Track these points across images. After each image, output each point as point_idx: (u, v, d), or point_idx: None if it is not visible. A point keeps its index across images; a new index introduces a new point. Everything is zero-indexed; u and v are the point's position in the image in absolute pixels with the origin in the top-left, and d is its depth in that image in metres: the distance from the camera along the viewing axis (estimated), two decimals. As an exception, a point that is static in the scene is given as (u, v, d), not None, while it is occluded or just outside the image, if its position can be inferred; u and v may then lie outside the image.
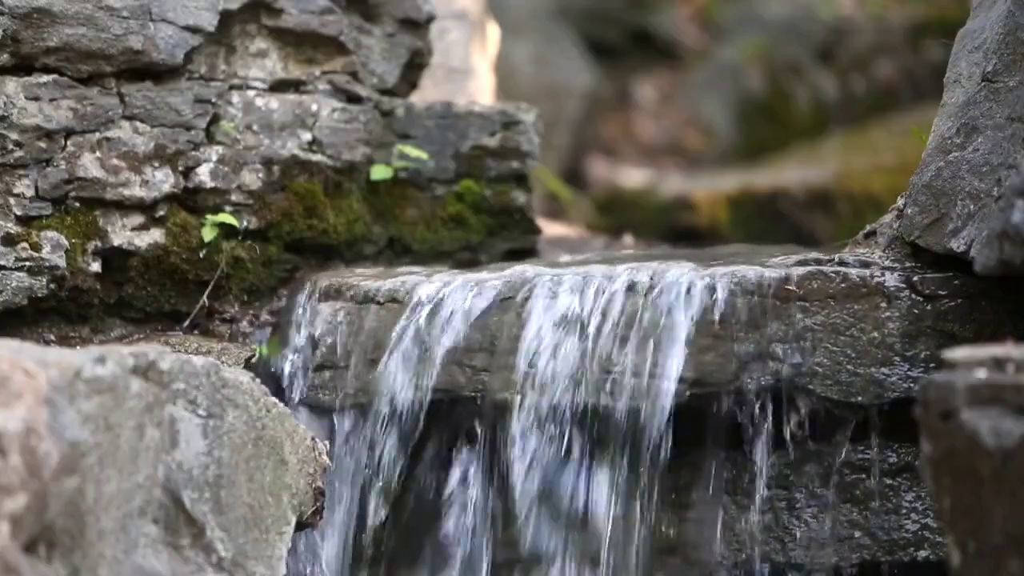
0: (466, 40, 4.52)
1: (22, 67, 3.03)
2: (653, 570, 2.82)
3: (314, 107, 3.29)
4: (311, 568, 2.90)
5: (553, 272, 2.91)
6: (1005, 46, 2.85)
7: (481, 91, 4.51)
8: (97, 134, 3.07)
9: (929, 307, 2.82)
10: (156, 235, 3.14)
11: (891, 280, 2.83)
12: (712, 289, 2.82)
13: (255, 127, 3.23)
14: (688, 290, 2.82)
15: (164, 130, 3.13)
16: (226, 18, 3.19)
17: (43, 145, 3.02)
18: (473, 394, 2.86)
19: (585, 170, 7.10)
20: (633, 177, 6.98)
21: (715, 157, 7.32)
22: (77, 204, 3.06)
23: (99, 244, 3.08)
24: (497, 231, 3.44)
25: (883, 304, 2.81)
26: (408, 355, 2.88)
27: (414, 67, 3.48)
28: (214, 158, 3.18)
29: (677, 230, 5.80)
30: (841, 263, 2.87)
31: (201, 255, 3.16)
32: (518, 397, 2.82)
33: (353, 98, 3.34)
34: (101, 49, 3.06)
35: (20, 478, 2.04)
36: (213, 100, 3.18)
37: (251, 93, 3.25)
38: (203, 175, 3.17)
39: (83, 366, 2.20)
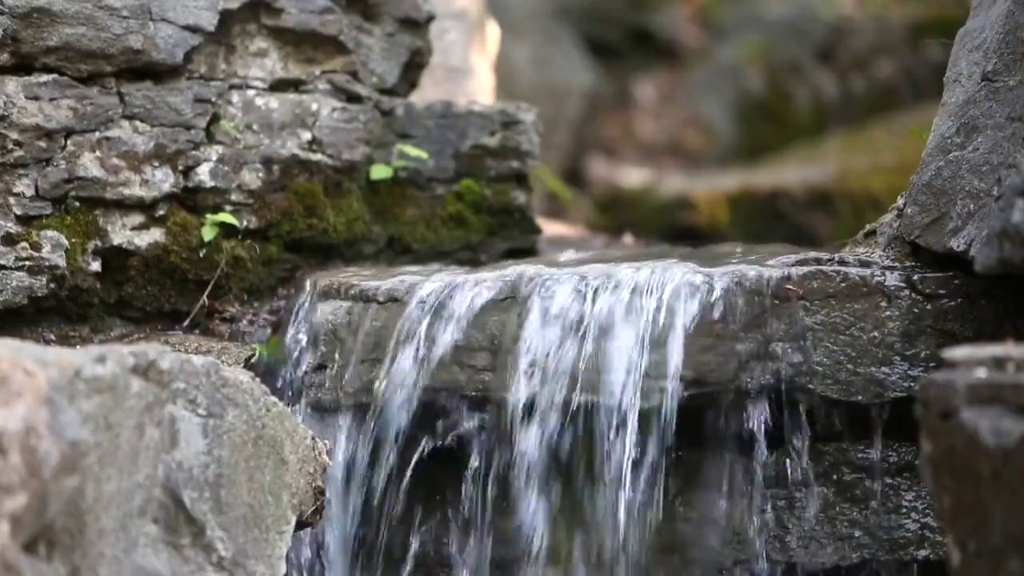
0: (466, 40, 4.53)
1: (22, 67, 3.03)
2: (653, 569, 2.82)
3: (314, 107, 3.29)
4: (314, 565, 2.90)
5: (553, 272, 2.91)
6: (1005, 45, 2.85)
7: (481, 91, 4.52)
8: (97, 133, 3.07)
9: (929, 306, 2.82)
10: (156, 234, 3.14)
11: (891, 279, 2.83)
12: (712, 288, 2.82)
13: (255, 126, 3.23)
14: (688, 289, 2.82)
15: (164, 129, 3.13)
16: (226, 17, 3.19)
17: (43, 145, 3.02)
18: (474, 393, 2.86)
19: (585, 170, 7.10)
20: (633, 177, 6.98)
21: (715, 157, 7.33)
22: (77, 204, 3.06)
23: (99, 243, 3.08)
24: (497, 230, 3.44)
25: (883, 303, 2.81)
26: (408, 354, 2.88)
27: (414, 67, 3.48)
28: (214, 157, 3.18)
29: (677, 229, 5.80)
30: (841, 262, 2.87)
31: (201, 254, 3.16)
32: (518, 396, 2.82)
33: (353, 98, 3.34)
34: (101, 49, 3.06)
35: (20, 477, 2.04)
36: (213, 99, 3.18)
37: (251, 92, 3.25)
38: (203, 174, 3.17)
39: (83, 365, 2.20)
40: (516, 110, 3.46)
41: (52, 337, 3.08)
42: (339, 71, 3.33)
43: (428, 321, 2.89)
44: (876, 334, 2.80)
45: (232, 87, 3.23)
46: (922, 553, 2.80)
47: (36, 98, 3.02)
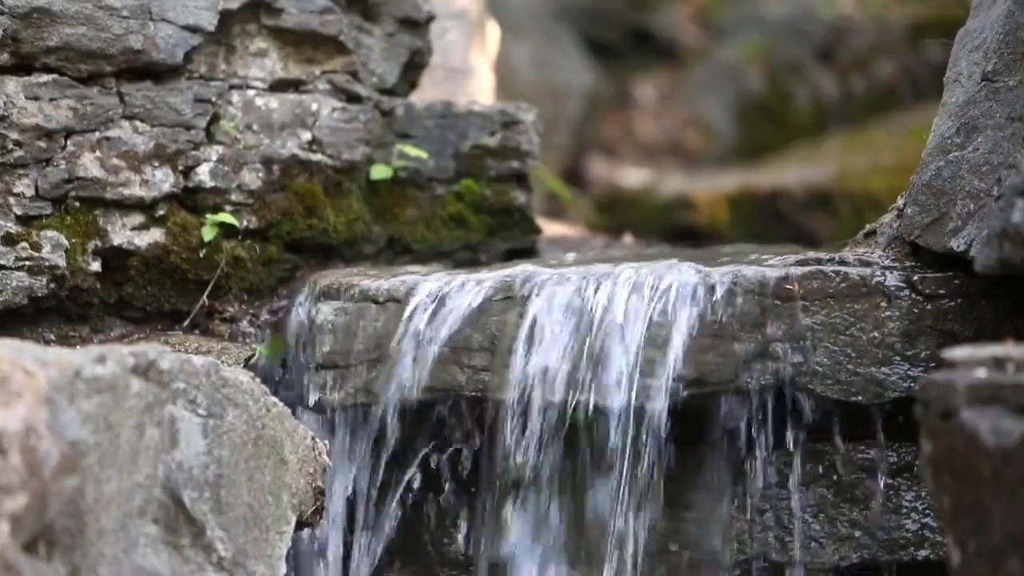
0: (466, 40, 4.53)
1: (22, 67, 3.03)
2: (653, 569, 2.82)
3: (314, 107, 3.29)
4: (314, 565, 2.90)
5: (553, 272, 2.91)
6: (1005, 46, 2.85)
7: (481, 91, 4.52)
8: (97, 134, 3.07)
9: (929, 306, 2.82)
10: (156, 235, 3.14)
11: (891, 280, 2.83)
12: (712, 288, 2.82)
13: (255, 127, 3.23)
14: (688, 289, 2.82)
15: (164, 130, 3.13)
16: (226, 18, 3.19)
17: (43, 145, 3.02)
18: (474, 393, 2.86)
19: (585, 170, 7.10)
20: (633, 177, 6.98)
21: (715, 157, 7.33)
22: (77, 204, 3.06)
23: (99, 244, 3.08)
24: (497, 231, 3.44)
25: (883, 303, 2.81)
26: (408, 355, 2.88)
27: (414, 67, 3.48)
28: (214, 158, 3.18)
29: (677, 230, 5.80)
30: (841, 263, 2.87)
31: (201, 255, 3.16)
32: (518, 396, 2.82)
33: (353, 98, 3.34)
34: (101, 49, 3.06)
35: (20, 477, 2.04)
36: (213, 100, 3.18)
37: (251, 93, 3.25)
38: (203, 175, 3.17)
39: (83, 365, 2.20)
40: (516, 110, 3.46)
41: (52, 337, 3.08)
42: (339, 71, 3.33)
43: (428, 321, 2.89)
44: (876, 334, 2.80)
45: (232, 87, 3.23)
46: (922, 553, 2.80)
47: (36, 98, 3.02)
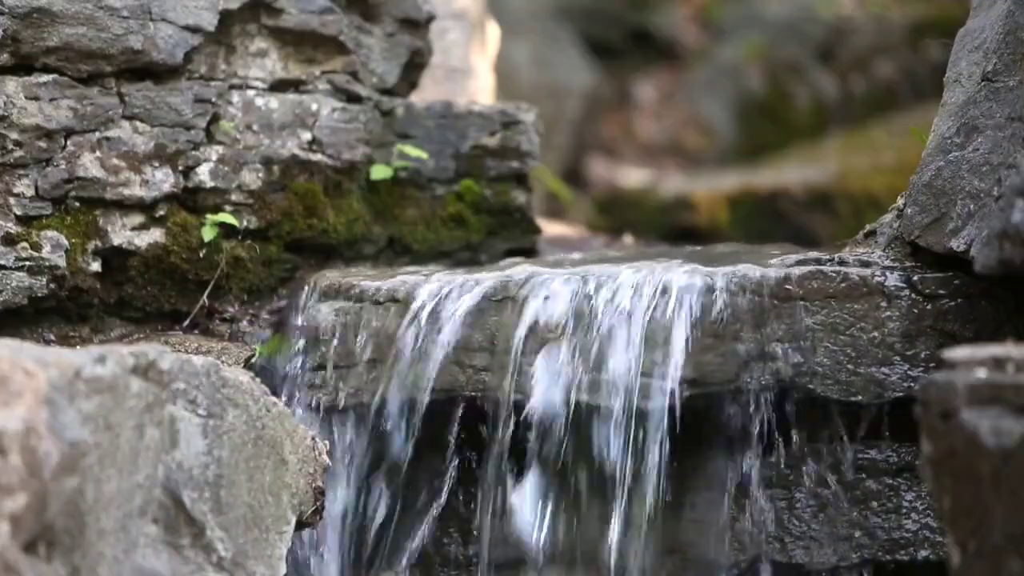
0: (466, 40, 4.53)
1: (22, 67, 3.03)
2: (654, 570, 2.82)
3: (314, 107, 3.29)
4: (313, 565, 2.90)
5: (553, 272, 2.91)
6: (1005, 46, 2.85)
7: (481, 91, 4.52)
8: (97, 134, 3.07)
9: (929, 307, 2.82)
10: (156, 235, 3.14)
11: (891, 280, 2.83)
12: (712, 289, 2.82)
13: (255, 127, 3.23)
14: (688, 289, 2.82)
15: (164, 130, 3.13)
16: (226, 18, 3.19)
17: (43, 145, 3.02)
18: (473, 393, 2.86)
19: (585, 170, 7.10)
20: (633, 177, 6.98)
21: (715, 157, 7.33)
22: (77, 204, 3.06)
23: (99, 244, 3.08)
24: (497, 231, 3.44)
25: (883, 304, 2.81)
26: (408, 355, 2.88)
27: (414, 67, 3.48)
28: (214, 158, 3.18)
29: (677, 230, 5.80)
30: (841, 263, 2.87)
31: (201, 255, 3.16)
32: (517, 396, 2.82)
33: (353, 98, 3.34)
34: (101, 49, 3.06)
35: (20, 478, 2.04)
36: (213, 100, 3.18)
37: (251, 93, 3.25)
38: (203, 175, 3.17)
39: (83, 366, 2.20)
40: (516, 110, 3.46)
41: (52, 337, 3.08)
42: (339, 71, 3.33)
43: (428, 321, 2.89)
44: (876, 334, 2.81)
45: (232, 87, 3.23)
46: (922, 553, 2.80)
47: (36, 98, 3.02)
